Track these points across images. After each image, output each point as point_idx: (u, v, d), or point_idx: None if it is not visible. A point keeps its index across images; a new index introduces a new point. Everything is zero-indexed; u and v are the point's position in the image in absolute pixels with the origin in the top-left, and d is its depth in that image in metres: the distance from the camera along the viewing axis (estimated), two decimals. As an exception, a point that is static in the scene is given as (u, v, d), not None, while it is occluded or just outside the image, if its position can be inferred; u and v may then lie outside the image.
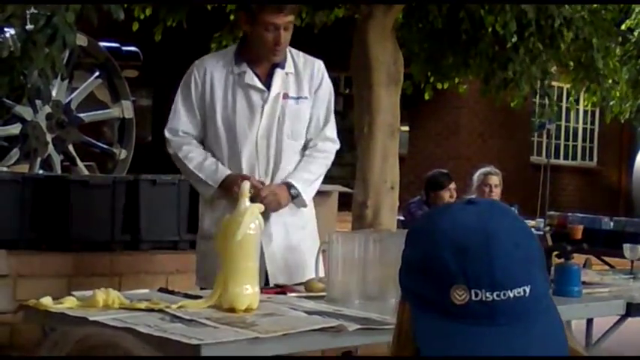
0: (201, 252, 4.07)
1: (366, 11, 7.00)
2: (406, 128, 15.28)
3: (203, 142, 4.01)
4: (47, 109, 7.61)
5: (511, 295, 1.22)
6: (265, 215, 3.72)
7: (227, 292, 3.06)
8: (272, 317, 2.98)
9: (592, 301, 3.95)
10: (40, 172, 7.30)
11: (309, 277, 3.82)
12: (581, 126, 18.67)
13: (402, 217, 7.76)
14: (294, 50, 4.02)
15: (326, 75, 4.03)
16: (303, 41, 5.82)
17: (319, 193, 4.16)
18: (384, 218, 6.87)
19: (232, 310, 3.03)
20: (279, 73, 3.92)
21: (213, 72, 3.94)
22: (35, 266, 5.42)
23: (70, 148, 7.82)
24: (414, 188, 8.84)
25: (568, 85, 11.15)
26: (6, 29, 5.37)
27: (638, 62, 11.85)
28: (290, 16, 3.81)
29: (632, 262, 4.91)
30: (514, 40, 7.78)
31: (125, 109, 8.17)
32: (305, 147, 4.02)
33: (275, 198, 3.83)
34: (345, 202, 7.44)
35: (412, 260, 1.28)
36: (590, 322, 4.86)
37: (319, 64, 4.03)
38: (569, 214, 9.51)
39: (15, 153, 7.51)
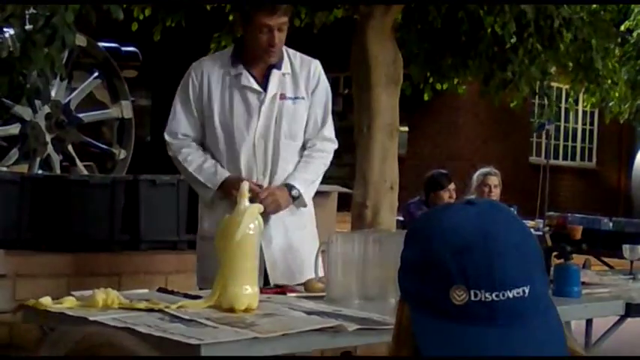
0: (200, 252, 4.08)
1: (366, 12, 7.01)
2: (405, 129, 15.29)
3: (203, 143, 4.02)
4: (46, 109, 7.61)
5: (510, 295, 1.22)
6: (265, 216, 3.73)
7: (226, 292, 3.06)
8: (271, 317, 2.98)
9: (591, 302, 3.95)
10: (40, 172, 7.31)
11: (308, 277, 3.82)
12: (580, 127, 18.69)
13: (401, 218, 7.76)
14: (291, 50, 4.02)
15: (323, 75, 4.04)
16: (303, 42, 5.83)
17: (318, 194, 4.16)
18: (383, 218, 6.88)
19: (232, 310, 3.03)
20: (275, 74, 3.93)
21: (210, 74, 3.95)
22: (34, 266, 5.42)
23: (70, 148, 7.83)
24: (413, 188, 8.83)
25: (567, 86, 11.17)
26: (5, 29, 5.37)
27: (637, 63, 11.86)
28: (283, 18, 3.81)
29: (632, 262, 4.92)
30: (513, 40, 7.79)
31: (124, 109, 8.17)
32: (303, 147, 4.02)
33: (274, 200, 3.84)
34: (344, 203, 7.45)
35: (411, 260, 1.28)
36: (589, 322, 4.87)
37: (316, 64, 4.03)
38: (569, 214, 9.51)
39: (14, 153, 7.52)
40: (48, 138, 7.60)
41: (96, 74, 8.08)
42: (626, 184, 17.98)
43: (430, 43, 8.26)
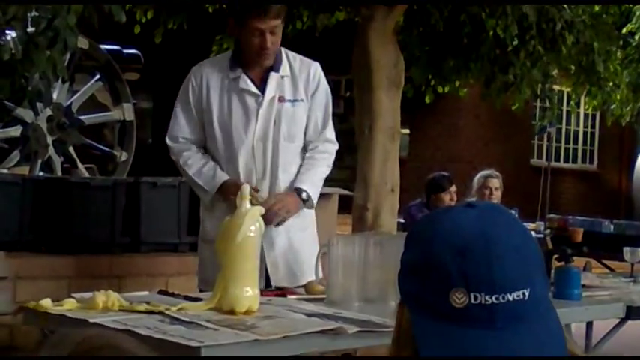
0: (201, 255, 4.09)
1: (367, 14, 7.01)
2: (407, 131, 15.30)
3: (205, 147, 4.03)
4: (48, 111, 7.62)
5: (510, 298, 1.22)
6: (276, 224, 3.76)
7: (227, 295, 3.06)
8: (272, 319, 2.98)
9: (592, 304, 3.95)
10: (41, 174, 7.31)
11: (309, 279, 3.82)
12: (581, 129, 18.69)
13: (402, 220, 7.76)
14: (290, 53, 4.03)
15: (323, 77, 4.04)
16: (305, 44, 5.84)
17: (319, 196, 4.16)
18: (384, 221, 6.88)
19: (232, 312, 3.03)
20: (273, 77, 3.93)
21: (209, 77, 3.96)
22: (35, 268, 5.42)
23: (71, 150, 7.83)
24: (415, 191, 8.83)
25: (569, 89, 11.16)
26: (7, 32, 5.37)
27: (639, 66, 11.85)
28: (274, 21, 3.81)
29: (632, 265, 4.91)
30: (515, 43, 7.79)
31: (126, 111, 8.18)
32: (304, 149, 4.02)
33: (284, 205, 3.84)
34: (345, 205, 7.45)
35: (411, 263, 1.28)
36: (589, 325, 4.87)
37: (316, 67, 4.03)
38: (570, 217, 9.50)
39: (16, 155, 7.52)
40: (49, 140, 7.61)
41: (98, 77, 8.08)
42: (627, 187, 17.97)
43: (432, 46, 8.26)
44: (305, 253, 3.97)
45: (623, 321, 4.05)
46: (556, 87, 11.30)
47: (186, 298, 3.28)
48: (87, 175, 7.73)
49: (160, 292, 3.48)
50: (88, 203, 5.86)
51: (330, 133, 4.05)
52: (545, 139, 16.29)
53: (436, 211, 1.37)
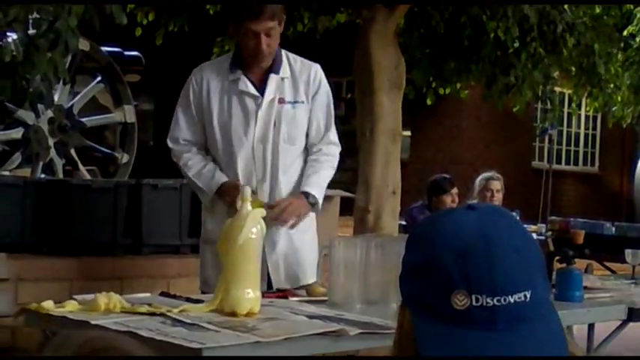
0: (203, 256, 4.09)
1: (368, 16, 7.01)
2: (408, 133, 15.30)
3: (206, 148, 4.04)
4: (49, 113, 7.62)
5: (512, 300, 1.22)
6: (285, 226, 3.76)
7: (228, 296, 3.06)
8: (273, 321, 2.98)
9: (593, 306, 3.95)
10: (42, 176, 7.31)
11: (310, 280, 3.83)
12: (582, 131, 18.68)
13: (403, 222, 7.76)
14: (291, 55, 4.03)
15: (324, 79, 4.04)
16: (305, 46, 5.84)
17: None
18: (385, 223, 6.88)
19: (234, 314, 3.03)
20: (273, 78, 3.94)
21: (210, 79, 3.97)
22: (37, 270, 5.42)
23: (72, 152, 7.83)
24: (416, 193, 8.83)
25: (570, 91, 11.16)
26: (8, 34, 5.37)
27: (640, 68, 11.86)
28: (269, 22, 3.81)
29: (634, 267, 4.91)
30: (516, 45, 7.79)
31: (127, 113, 8.18)
32: (305, 151, 4.02)
33: (294, 209, 3.84)
34: (346, 207, 7.45)
35: (413, 265, 1.28)
36: (591, 327, 4.86)
37: (316, 68, 4.03)
38: (571, 219, 9.50)
39: (17, 157, 7.52)
40: (51, 142, 7.61)
41: (99, 79, 8.09)
42: (629, 189, 17.96)
43: (433, 48, 8.26)
44: (306, 254, 3.97)
45: (624, 323, 4.05)
46: (557, 89, 11.30)
47: (188, 300, 3.28)
48: (88, 177, 7.73)
49: (162, 294, 3.48)
50: (90, 205, 5.86)
51: (334, 135, 4.05)
52: (547, 141, 16.28)
53: (437, 213, 1.37)
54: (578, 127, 18.58)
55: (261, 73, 3.95)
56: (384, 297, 3.38)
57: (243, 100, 3.93)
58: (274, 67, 3.94)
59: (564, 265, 4.03)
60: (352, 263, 3.42)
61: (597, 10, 8.90)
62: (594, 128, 18.71)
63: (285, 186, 3.94)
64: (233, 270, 3.09)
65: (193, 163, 3.99)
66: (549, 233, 8.71)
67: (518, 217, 6.14)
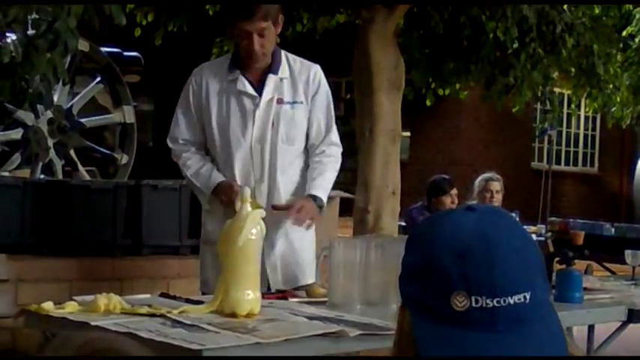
0: (203, 257, 4.10)
1: (368, 17, 7.01)
2: (407, 134, 15.31)
3: (206, 148, 4.05)
4: (49, 114, 7.62)
5: (511, 301, 1.22)
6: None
7: (228, 298, 3.06)
8: (273, 322, 2.98)
9: (593, 308, 3.94)
10: (42, 176, 7.31)
11: (309, 281, 3.83)
12: (582, 132, 18.69)
13: (403, 223, 7.76)
14: (290, 55, 4.03)
15: (323, 79, 4.04)
16: (305, 47, 5.84)
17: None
18: (385, 224, 6.88)
19: (234, 315, 3.03)
20: (271, 79, 3.94)
21: (209, 79, 3.98)
22: (36, 271, 5.42)
23: (72, 153, 7.83)
24: (415, 194, 8.83)
25: (569, 91, 11.16)
26: (7, 34, 5.37)
27: (639, 68, 11.86)
28: (262, 23, 3.80)
29: (634, 268, 4.91)
30: (515, 45, 7.79)
31: (126, 114, 8.18)
32: (306, 151, 4.02)
33: (307, 212, 3.85)
34: (346, 208, 7.45)
35: (412, 266, 1.28)
36: (591, 328, 4.86)
37: (316, 69, 4.03)
38: (571, 220, 9.51)
39: (16, 158, 7.52)
40: (50, 143, 7.61)
41: (98, 79, 8.09)
42: (628, 190, 17.97)
43: (432, 48, 8.26)
44: (305, 255, 3.97)
45: (624, 324, 4.05)
46: (556, 89, 11.31)
47: (188, 301, 3.27)
48: (88, 177, 7.73)
49: (162, 294, 3.48)
50: (89, 206, 5.86)
51: (335, 136, 4.05)
52: (546, 142, 16.30)
53: (436, 214, 1.36)
54: (578, 127, 18.59)
55: (259, 74, 3.95)
56: (383, 298, 3.38)
57: (241, 101, 3.94)
58: (273, 68, 3.94)
59: (564, 266, 4.02)
60: (352, 264, 3.42)
61: (596, 11, 8.90)
62: (593, 129, 18.72)
63: (284, 186, 3.94)
64: (233, 271, 3.09)
65: (192, 163, 4.00)
66: (549, 234, 8.72)
67: (517, 218, 6.14)
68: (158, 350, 2.56)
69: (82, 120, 7.93)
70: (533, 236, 7.03)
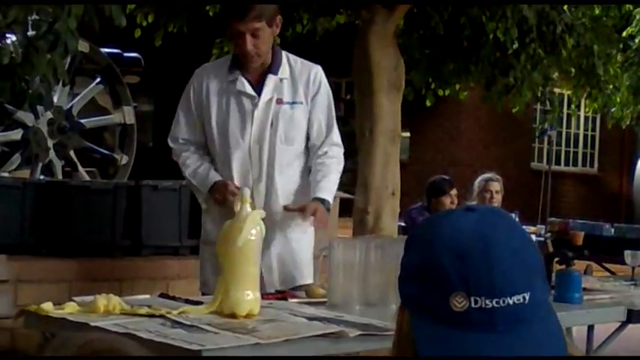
0: (202, 257, 4.10)
1: (367, 17, 7.01)
2: (407, 134, 15.31)
3: (206, 148, 4.06)
4: (49, 114, 7.62)
5: (510, 302, 1.22)
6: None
7: (228, 298, 3.06)
8: (273, 323, 2.98)
9: (593, 308, 3.95)
10: (42, 177, 7.31)
11: (306, 281, 3.83)
12: (582, 132, 18.69)
13: (403, 223, 7.75)
14: (292, 56, 4.03)
15: (324, 80, 4.04)
16: (305, 47, 5.84)
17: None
18: (385, 224, 6.87)
19: (233, 315, 3.03)
20: (271, 79, 3.94)
21: (210, 80, 3.99)
22: (36, 271, 5.42)
23: (72, 153, 7.83)
24: (415, 194, 8.83)
25: (569, 92, 11.17)
26: (7, 35, 5.38)
27: (639, 69, 11.86)
28: (255, 23, 3.80)
29: (633, 268, 4.91)
30: (515, 46, 7.79)
31: (126, 114, 8.18)
32: (307, 152, 4.02)
33: (322, 214, 3.86)
34: (345, 208, 7.45)
35: (411, 267, 1.28)
36: (591, 328, 4.86)
37: (317, 70, 4.03)
38: (570, 220, 9.51)
39: (16, 158, 7.52)
40: (50, 143, 7.61)
41: (98, 80, 8.09)
42: (628, 190, 17.97)
43: (432, 49, 8.26)
44: (303, 255, 3.98)
45: (624, 325, 4.05)
46: (556, 90, 11.31)
47: (187, 301, 3.28)
48: (88, 178, 7.73)
49: (161, 295, 3.48)
50: (89, 206, 5.86)
51: (337, 136, 4.06)
52: (546, 142, 16.30)
53: (436, 214, 1.37)
54: (578, 128, 18.59)
55: (259, 74, 3.95)
56: (383, 298, 3.38)
57: (240, 101, 3.94)
58: (273, 68, 3.95)
59: (563, 266, 4.02)
60: (351, 265, 3.43)
61: (596, 11, 8.91)
62: (593, 129, 18.72)
63: (282, 186, 3.94)
64: (232, 271, 3.09)
65: (190, 162, 4.02)
66: (548, 234, 8.72)
67: (517, 219, 6.13)
68: (157, 351, 2.56)
69: (82, 121, 7.93)
70: (533, 236, 7.03)
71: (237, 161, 3.93)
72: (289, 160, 3.97)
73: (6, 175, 7.02)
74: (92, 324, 2.81)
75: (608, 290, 4.44)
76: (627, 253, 4.91)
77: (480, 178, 7.75)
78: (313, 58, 4.12)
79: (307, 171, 4.03)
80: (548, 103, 9.18)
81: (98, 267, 5.62)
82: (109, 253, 5.82)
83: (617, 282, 4.96)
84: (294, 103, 3.96)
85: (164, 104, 9.95)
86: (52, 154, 7.62)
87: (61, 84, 7.29)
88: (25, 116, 7.46)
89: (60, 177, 7.53)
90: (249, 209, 3.15)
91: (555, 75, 8.95)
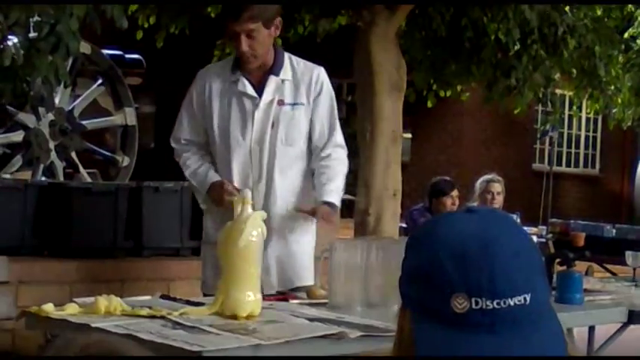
0: (203, 257, 4.11)
1: (369, 19, 7.02)
2: (409, 135, 15.30)
3: (208, 149, 4.07)
4: (50, 116, 7.62)
5: (511, 303, 1.22)
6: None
7: (229, 299, 3.06)
8: (274, 324, 2.98)
9: (594, 309, 3.95)
10: (43, 179, 7.31)
11: (306, 282, 3.83)
12: (583, 133, 18.68)
13: (404, 225, 7.75)
14: (295, 57, 4.03)
15: (327, 81, 4.03)
16: (306, 48, 5.84)
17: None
18: (386, 225, 6.88)
19: (234, 316, 3.03)
20: (272, 80, 3.94)
21: (212, 81, 3.99)
22: (37, 273, 5.43)
23: (73, 155, 7.84)
24: (417, 195, 8.84)
25: (571, 93, 11.17)
26: (9, 37, 5.38)
27: (641, 70, 11.86)
28: (249, 24, 3.80)
29: (634, 269, 4.91)
30: (517, 47, 7.80)
31: (128, 116, 8.19)
32: (310, 154, 4.02)
33: (332, 218, 3.87)
34: (347, 210, 7.45)
35: (412, 268, 1.28)
36: (592, 329, 4.86)
37: (319, 71, 4.02)
38: (572, 221, 9.50)
39: (18, 160, 7.53)
40: (51, 145, 7.61)
41: (100, 81, 8.09)
42: (629, 191, 17.96)
43: (434, 50, 8.27)
44: (302, 256, 3.97)
45: (625, 325, 4.05)
46: (558, 91, 11.31)
47: (189, 302, 3.28)
48: (89, 179, 7.73)
49: (162, 296, 3.48)
50: (90, 208, 5.87)
51: (340, 137, 4.05)
52: (547, 143, 16.27)
53: (436, 216, 1.37)
54: (579, 129, 18.57)
55: (261, 75, 3.96)
56: (384, 299, 3.38)
57: (241, 101, 3.95)
58: (274, 69, 3.95)
59: (565, 267, 4.02)
60: (353, 266, 3.43)
61: (598, 13, 8.91)
62: (595, 130, 18.70)
63: (281, 187, 3.94)
64: (234, 273, 3.09)
65: (191, 163, 4.03)
66: (550, 235, 8.71)
67: (518, 220, 6.13)
68: (159, 352, 2.56)
69: (84, 122, 7.94)
70: (534, 237, 7.03)
71: (238, 162, 3.93)
72: (290, 162, 3.97)
73: (7, 176, 7.02)
74: (93, 325, 2.82)
75: (609, 291, 4.44)
76: (628, 254, 4.91)
77: (481, 179, 7.75)
78: (315, 59, 4.12)
79: (309, 173, 4.02)
80: (549, 104, 9.18)
81: (99, 268, 5.62)
82: (110, 254, 5.82)
83: (618, 283, 4.96)
84: (295, 104, 3.96)
85: (166, 106, 9.95)
86: (53, 155, 7.63)
87: (62, 85, 7.30)
88: (27, 118, 7.47)
89: (61, 178, 7.53)
90: (250, 210, 3.15)
91: (557, 76, 8.95)
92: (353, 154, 7.23)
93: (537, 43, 7.90)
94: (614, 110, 10.98)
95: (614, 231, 9.16)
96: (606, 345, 4.27)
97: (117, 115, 8.21)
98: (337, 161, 4.00)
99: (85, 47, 7.38)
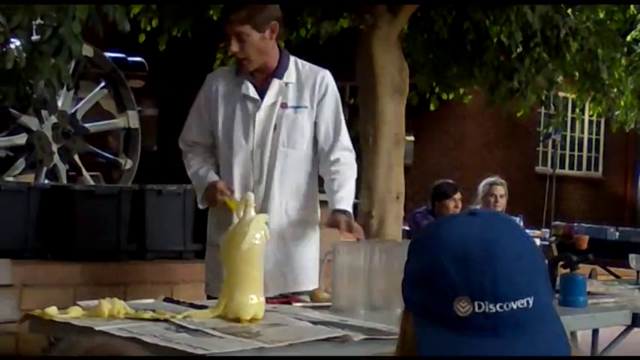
0: (206, 260, 4.12)
1: (371, 22, 7.02)
2: (411, 138, 15.30)
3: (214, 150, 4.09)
4: (53, 119, 7.63)
5: (514, 306, 1.22)
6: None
7: (232, 302, 3.06)
8: (277, 327, 2.98)
9: (598, 312, 3.94)
10: (46, 182, 7.32)
11: (305, 286, 3.83)
12: (586, 136, 18.67)
13: (407, 227, 7.75)
14: (300, 61, 4.04)
15: (332, 84, 4.03)
16: (309, 52, 5.84)
17: (324, 203, 4.16)
18: (389, 228, 6.88)
19: (238, 320, 3.03)
20: (275, 83, 3.95)
21: (219, 83, 4.01)
22: (40, 276, 5.43)
23: (76, 158, 7.85)
24: (419, 198, 8.83)
25: (573, 96, 11.17)
26: (12, 40, 5.39)
27: (644, 73, 11.85)
28: (238, 26, 3.80)
29: (638, 272, 4.91)
30: (519, 50, 7.80)
31: (131, 119, 8.19)
32: (315, 157, 4.02)
33: (355, 227, 3.88)
34: (350, 212, 7.43)
35: (415, 272, 1.28)
36: (595, 332, 4.86)
37: (324, 74, 4.02)
38: (575, 224, 9.50)
39: (21, 163, 7.53)
40: (54, 148, 7.62)
41: (102, 84, 8.10)
42: (633, 194, 17.96)
43: (436, 53, 8.27)
44: (303, 260, 3.98)
45: (629, 328, 4.05)
46: (561, 94, 11.32)
47: (192, 305, 3.27)
48: (92, 182, 7.74)
49: (166, 299, 3.48)
50: (94, 211, 5.87)
51: (347, 140, 4.06)
52: (550, 146, 16.27)
53: (439, 219, 1.36)
54: (582, 131, 18.57)
55: (264, 78, 3.97)
56: (387, 302, 3.38)
57: (244, 104, 3.96)
58: (278, 72, 3.95)
59: (568, 270, 4.02)
60: (356, 269, 3.42)
61: (601, 15, 8.92)
62: (598, 133, 18.70)
63: (280, 189, 3.94)
64: (237, 276, 3.09)
65: (194, 163, 4.06)
66: (553, 238, 8.71)
67: (521, 223, 6.13)
68: (162, 355, 2.56)
69: (87, 125, 7.94)
70: (538, 240, 7.03)
71: (240, 164, 3.94)
72: (292, 164, 3.97)
73: (10, 179, 7.03)
74: (97, 328, 2.81)
75: (613, 294, 4.43)
76: (632, 256, 4.90)
77: (484, 182, 7.75)
78: (317, 62, 4.12)
79: (315, 175, 4.03)
80: (552, 106, 9.18)
81: (103, 271, 5.63)
82: (113, 257, 5.82)
83: (622, 286, 4.95)
84: (298, 107, 3.97)
85: (168, 108, 9.95)
86: (56, 158, 7.63)
87: (65, 88, 7.30)
88: (30, 121, 7.48)
89: (64, 181, 7.54)
90: (253, 213, 3.15)
91: (559, 79, 8.95)
92: (356, 157, 7.25)
93: (540, 46, 7.90)
94: (616, 113, 10.98)
95: (617, 234, 9.15)
96: (610, 348, 4.27)
97: (120, 118, 8.21)
98: (346, 166, 4.00)
99: (88, 50, 7.40)
